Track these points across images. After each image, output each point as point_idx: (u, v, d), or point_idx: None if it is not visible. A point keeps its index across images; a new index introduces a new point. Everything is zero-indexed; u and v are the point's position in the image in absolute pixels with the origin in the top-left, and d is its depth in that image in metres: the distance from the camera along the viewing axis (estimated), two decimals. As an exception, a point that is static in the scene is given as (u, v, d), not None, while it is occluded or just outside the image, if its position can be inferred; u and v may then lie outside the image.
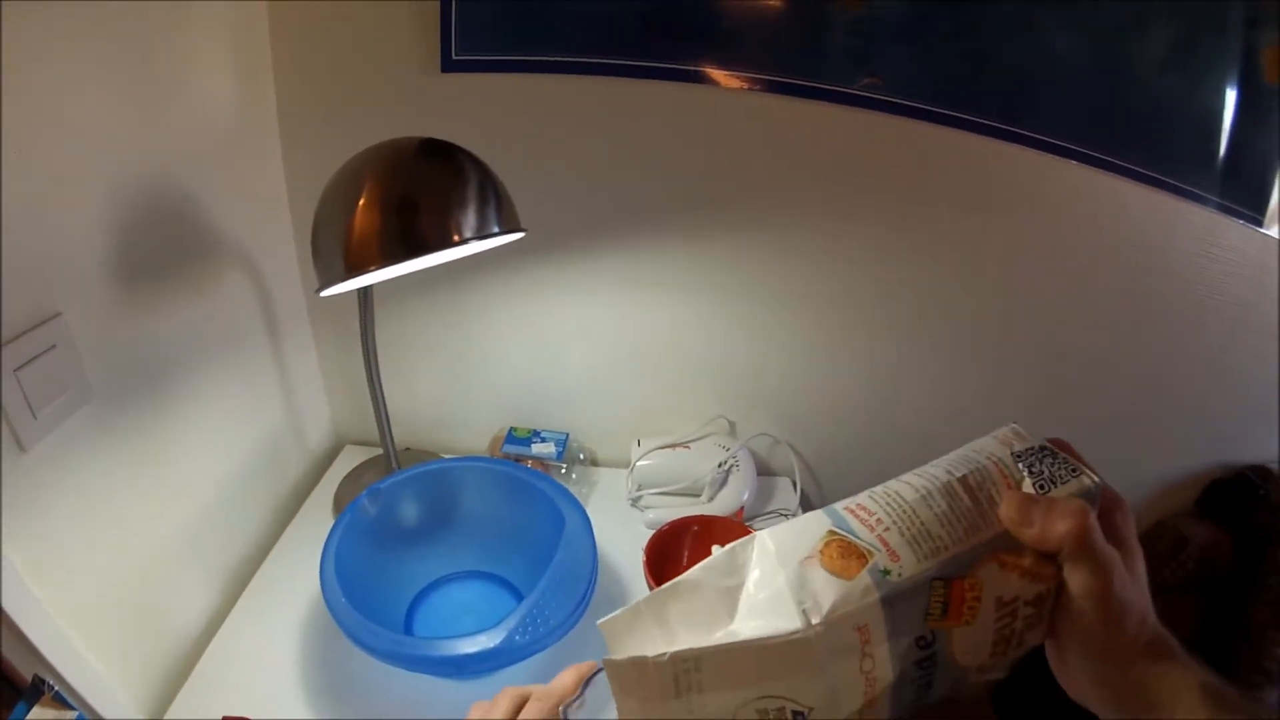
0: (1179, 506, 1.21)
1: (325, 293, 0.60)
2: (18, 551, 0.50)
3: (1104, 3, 0.82)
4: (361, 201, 0.55)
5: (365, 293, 0.75)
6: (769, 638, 0.28)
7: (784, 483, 1.04)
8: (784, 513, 0.95)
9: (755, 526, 0.89)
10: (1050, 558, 0.30)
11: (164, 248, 0.67)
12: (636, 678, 0.30)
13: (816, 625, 0.28)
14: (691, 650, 0.29)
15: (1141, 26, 0.84)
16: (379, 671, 0.65)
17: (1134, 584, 0.30)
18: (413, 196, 0.55)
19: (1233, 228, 0.97)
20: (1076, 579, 0.29)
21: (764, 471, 1.05)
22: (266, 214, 0.85)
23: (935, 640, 0.29)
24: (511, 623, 0.59)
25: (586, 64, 0.80)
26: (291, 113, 0.82)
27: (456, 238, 0.56)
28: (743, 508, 0.92)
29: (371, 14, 0.77)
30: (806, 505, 1.04)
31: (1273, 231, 0.98)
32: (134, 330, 0.63)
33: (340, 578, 0.64)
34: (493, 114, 0.82)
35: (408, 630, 0.74)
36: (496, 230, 0.58)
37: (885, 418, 1.03)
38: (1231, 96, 0.91)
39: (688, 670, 0.29)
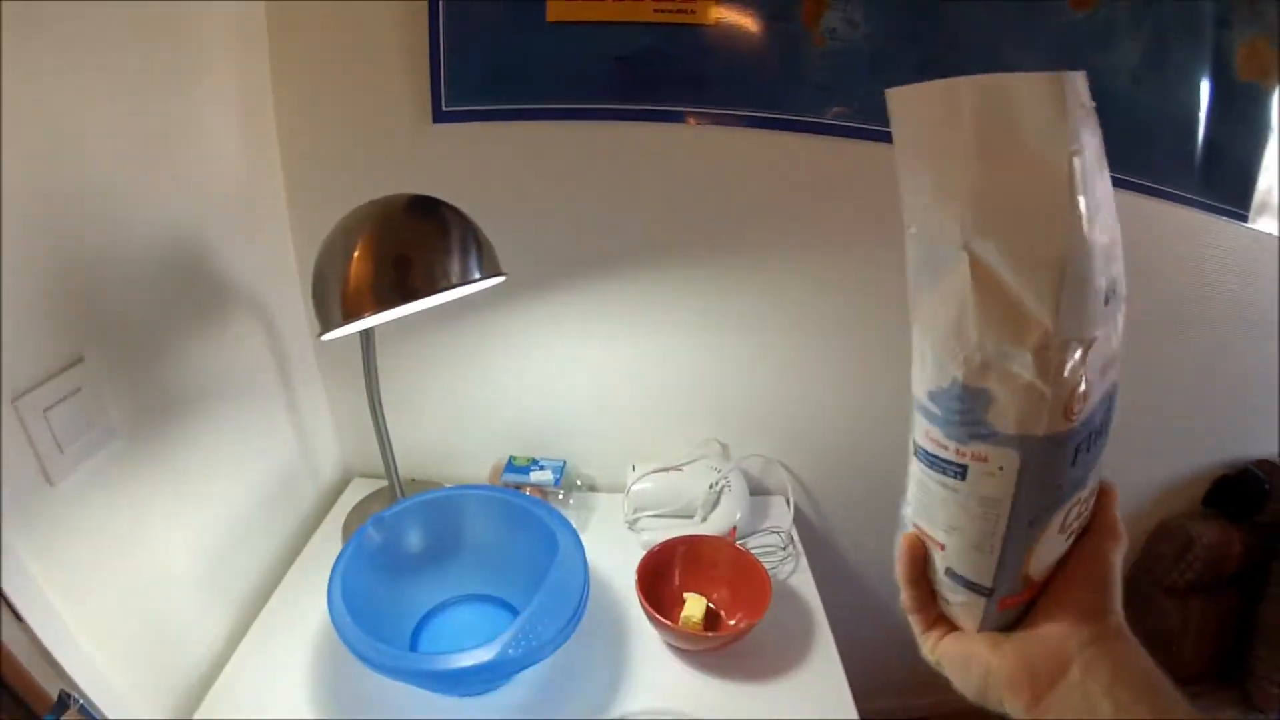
0: (1184, 507, 1.21)
1: (326, 337, 0.65)
2: (46, 576, 0.55)
3: (1069, 18, 0.85)
4: (356, 254, 0.60)
5: (367, 335, 0.80)
6: None
7: (778, 501, 1.07)
8: (776, 530, 0.97)
9: (748, 545, 0.91)
10: None
11: (180, 296, 0.72)
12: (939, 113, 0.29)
13: None
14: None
15: (1109, 38, 0.86)
16: (387, 693, 0.69)
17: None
18: (401, 249, 0.60)
19: (1218, 225, 0.99)
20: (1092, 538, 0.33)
21: (758, 491, 1.07)
22: (275, 262, 0.90)
23: None
24: (505, 638, 0.63)
25: (568, 110, 0.85)
26: (295, 168, 0.88)
27: (442, 284, 0.60)
28: (735, 527, 0.94)
29: (367, 73, 0.83)
30: (801, 522, 1.07)
31: (1259, 226, 0.99)
32: (153, 373, 0.68)
33: (347, 601, 0.68)
34: (483, 161, 0.87)
35: (413, 651, 0.78)
36: (478, 276, 0.62)
37: (876, 433, 1.05)
38: (1205, 97, 0.92)
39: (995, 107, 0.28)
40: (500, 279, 0.66)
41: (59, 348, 0.57)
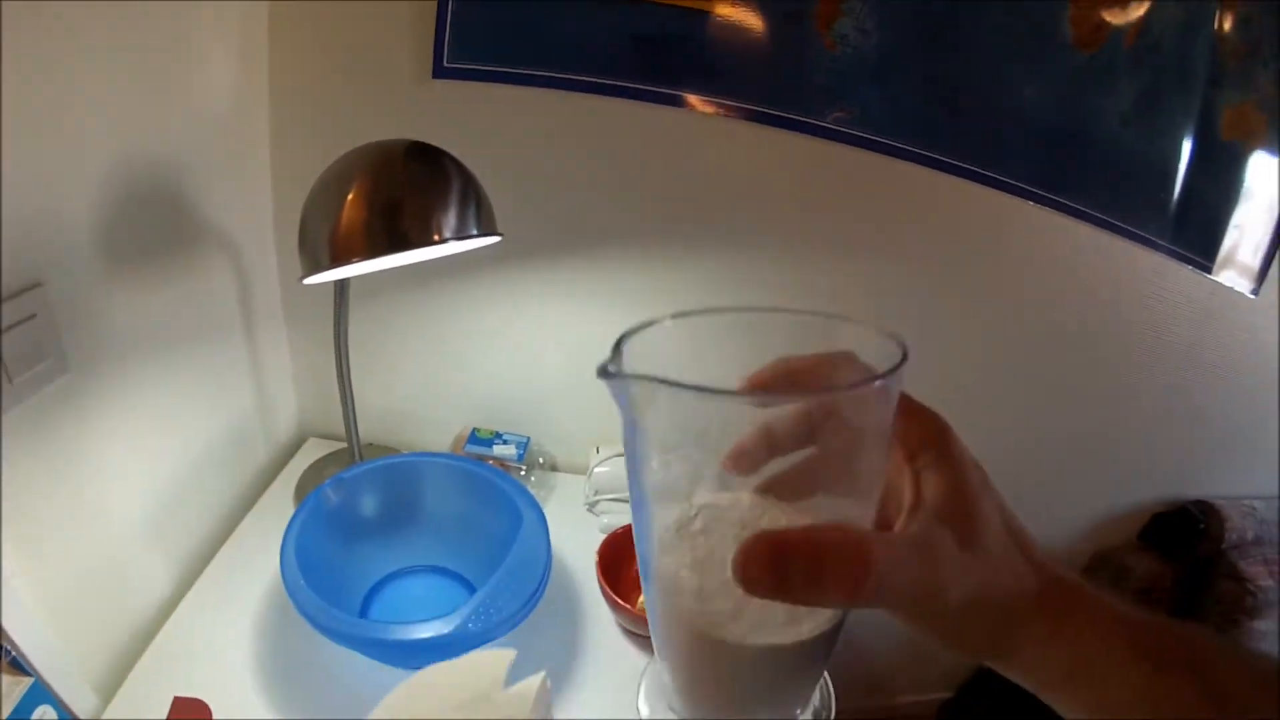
0: (1122, 539, 1.25)
1: (308, 280, 0.62)
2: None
3: (1072, 57, 0.87)
4: (350, 197, 0.58)
5: (342, 287, 0.76)
6: None
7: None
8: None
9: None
10: None
11: (150, 229, 0.68)
12: None
13: None
14: None
15: (1107, 81, 0.89)
16: (330, 658, 0.66)
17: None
18: (398, 195, 0.58)
19: (1181, 272, 1.02)
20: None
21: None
22: (251, 205, 0.86)
23: None
24: (465, 611, 0.61)
25: (573, 81, 0.83)
26: (283, 108, 0.84)
27: (436, 237, 0.58)
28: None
29: (369, 17, 0.80)
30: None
31: (1221, 278, 1.04)
32: (113, 307, 0.63)
33: (300, 563, 0.65)
34: (479, 122, 0.84)
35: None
36: (475, 232, 0.60)
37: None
38: (1187, 150, 0.95)
39: None
40: (495, 239, 0.64)
41: (15, 270, 0.52)
